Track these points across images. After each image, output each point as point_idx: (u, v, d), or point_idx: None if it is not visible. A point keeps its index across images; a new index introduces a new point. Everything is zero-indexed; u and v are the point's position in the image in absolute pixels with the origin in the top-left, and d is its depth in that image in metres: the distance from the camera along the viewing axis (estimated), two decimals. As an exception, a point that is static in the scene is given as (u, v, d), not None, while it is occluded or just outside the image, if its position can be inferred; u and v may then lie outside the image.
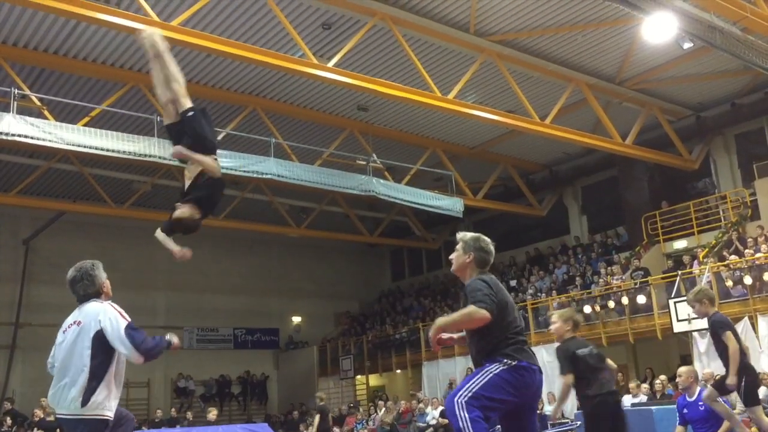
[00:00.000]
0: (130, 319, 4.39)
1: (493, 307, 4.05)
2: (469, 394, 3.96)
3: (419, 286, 26.59)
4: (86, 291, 4.52)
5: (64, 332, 4.45)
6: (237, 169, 14.86)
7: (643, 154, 17.35)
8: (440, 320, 4.19)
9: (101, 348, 4.27)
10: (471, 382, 4.03)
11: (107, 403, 4.25)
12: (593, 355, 6.09)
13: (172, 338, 4.51)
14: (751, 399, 6.84)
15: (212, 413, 16.06)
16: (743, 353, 6.94)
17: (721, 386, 6.99)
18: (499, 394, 4.00)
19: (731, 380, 6.69)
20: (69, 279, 4.59)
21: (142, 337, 4.29)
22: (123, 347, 4.25)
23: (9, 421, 16.72)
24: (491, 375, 4.02)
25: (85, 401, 4.16)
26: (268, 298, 25.68)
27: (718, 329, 6.81)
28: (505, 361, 4.07)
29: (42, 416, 16.05)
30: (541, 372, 4.24)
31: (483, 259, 4.38)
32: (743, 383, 6.77)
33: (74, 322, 4.42)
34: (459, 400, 3.95)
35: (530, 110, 15.10)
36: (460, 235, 4.53)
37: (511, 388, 4.04)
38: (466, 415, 3.89)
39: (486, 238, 4.47)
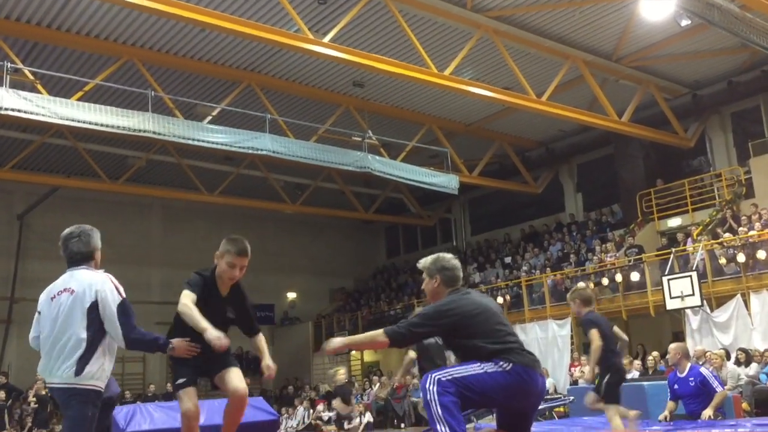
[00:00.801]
0: (125, 296, 4.25)
1: (402, 336, 3.87)
2: (449, 378, 3.76)
3: (414, 262, 26.37)
4: (78, 249, 4.34)
5: (52, 299, 4.28)
6: (232, 144, 14.81)
7: (639, 131, 17.33)
8: (345, 340, 4.06)
9: (96, 319, 4.16)
10: (455, 369, 3.82)
11: (100, 374, 4.18)
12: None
13: (175, 343, 4.43)
14: (610, 397, 6.90)
15: (340, 372, 12.88)
16: (615, 353, 7.00)
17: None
18: (483, 390, 3.76)
19: (588, 375, 6.85)
20: (64, 235, 4.39)
21: (132, 324, 4.18)
22: (110, 326, 4.15)
23: (3, 394, 16.81)
24: (482, 371, 3.78)
25: (79, 371, 4.07)
26: (262, 274, 25.67)
27: (586, 327, 6.91)
28: (501, 363, 3.81)
29: (38, 389, 16.18)
30: (542, 375, 4.01)
31: (450, 277, 4.20)
32: (605, 382, 6.83)
33: (65, 290, 4.24)
34: (434, 376, 3.77)
35: (527, 87, 15.05)
36: (420, 264, 4.35)
37: (501, 390, 3.78)
38: (434, 388, 3.72)
39: (446, 255, 4.31)
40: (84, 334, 4.13)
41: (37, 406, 16.21)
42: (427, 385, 3.73)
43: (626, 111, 16.79)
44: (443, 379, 3.76)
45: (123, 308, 4.18)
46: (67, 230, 4.44)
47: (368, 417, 17.39)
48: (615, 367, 6.89)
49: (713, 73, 17.57)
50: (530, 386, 3.85)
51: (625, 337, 7.10)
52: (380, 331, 3.94)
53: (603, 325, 6.87)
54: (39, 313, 4.37)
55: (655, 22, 14.07)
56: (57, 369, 4.13)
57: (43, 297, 4.38)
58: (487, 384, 3.77)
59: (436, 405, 3.68)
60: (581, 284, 8.08)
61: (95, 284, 4.21)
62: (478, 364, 3.83)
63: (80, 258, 4.35)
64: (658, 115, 17.94)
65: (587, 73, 15.88)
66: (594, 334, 6.74)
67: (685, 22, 13.64)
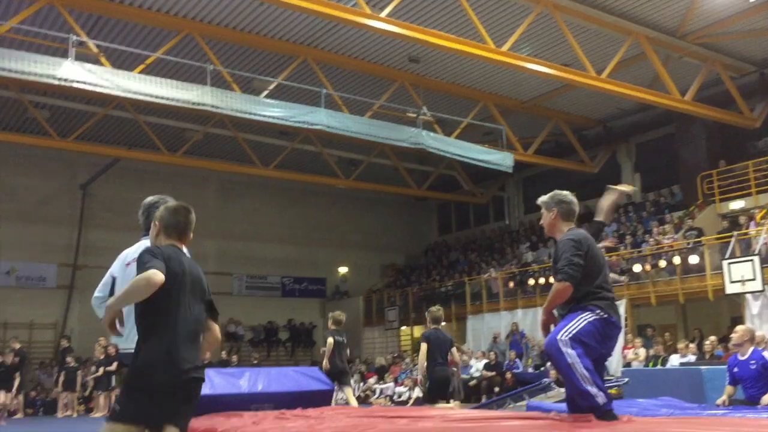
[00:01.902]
0: None
1: (575, 273, 4.10)
2: (570, 336, 4.02)
3: (466, 240, 26.58)
4: None
5: (127, 265, 4.39)
6: (287, 119, 14.93)
7: (703, 111, 16.83)
8: (544, 312, 4.30)
9: None
10: (569, 326, 4.07)
11: None
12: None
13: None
14: (433, 398, 8.56)
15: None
16: (438, 363, 8.49)
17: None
18: (591, 341, 4.06)
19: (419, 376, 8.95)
20: (149, 203, 4.48)
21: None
22: None
23: (72, 360, 17.53)
24: (585, 322, 4.08)
25: None
26: (315, 248, 26.01)
27: (421, 340, 8.70)
28: (598, 311, 4.12)
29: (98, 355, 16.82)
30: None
31: (567, 210, 4.45)
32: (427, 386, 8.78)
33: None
34: (562, 338, 4.00)
35: (586, 64, 14.74)
36: (539, 200, 4.61)
37: (600, 337, 4.11)
38: (573, 352, 3.95)
39: (563, 191, 4.57)
40: None
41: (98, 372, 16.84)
42: (564, 348, 3.96)
43: (689, 89, 16.31)
44: (568, 338, 4.01)
45: None
46: (151, 198, 4.55)
47: (417, 392, 17.52)
48: (436, 374, 8.50)
49: (783, 50, 16.90)
50: (614, 335, 4.28)
51: (457, 359, 9.37)
52: (555, 283, 4.17)
53: (432, 341, 8.51)
54: (114, 278, 4.49)
55: (723, -4, 13.58)
56: (135, 335, 4.21)
57: (117, 263, 4.51)
58: (590, 333, 4.07)
59: (580, 367, 3.93)
60: (434, 307, 9.53)
61: None
62: (579, 314, 4.11)
63: None
64: (722, 94, 17.38)
65: (650, 49, 15.45)
66: (422, 347, 8.53)
67: (755, -3, 13.14)
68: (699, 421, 4.02)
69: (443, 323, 9.01)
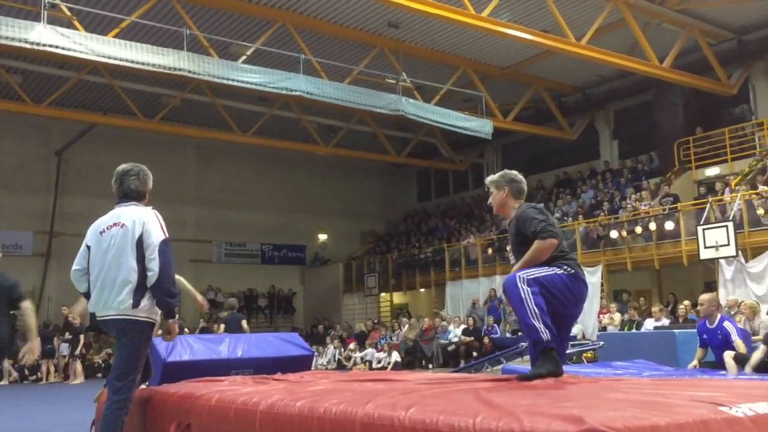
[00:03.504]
0: (168, 236, 4.29)
1: (555, 230, 4.15)
2: (532, 277, 4.05)
3: (445, 207, 26.68)
4: (135, 186, 4.40)
5: (101, 233, 4.33)
6: (266, 85, 14.79)
7: (680, 77, 16.91)
8: (516, 266, 4.25)
9: (143, 252, 4.20)
10: (534, 270, 4.10)
11: (155, 308, 4.26)
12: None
13: (173, 326, 4.44)
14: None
15: None
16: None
17: None
18: (555, 290, 4.07)
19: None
20: (121, 171, 4.43)
21: (170, 263, 4.19)
22: (149, 258, 4.16)
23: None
24: (552, 273, 4.10)
25: (136, 303, 4.15)
26: (294, 215, 25.98)
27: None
28: (566, 267, 4.15)
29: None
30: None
31: (517, 188, 4.47)
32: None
33: (115, 224, 4.29)
34: (522, 275, 4.03)
35: (566, 30, 14.70)
36: (487, 180, 4.61)
37: (567, 292, 4.11)
38: (528, 288, 3.97)
39: (513, 171, 4.58)
40: (136, 267, 4.18)
41: (71, 337, 16.83)
42: (520, 284, 3.98)
43: (668, 56, 16.35)
44: (529, 278, 4.01)
45: (164, 246, 4.21)
46: (124, 166, 4.48)
47: (396, 357, 17.72)
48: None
49: (761, 17, 16.95)
50: (583, 294, 4.25)
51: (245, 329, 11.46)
52: (538, 241, 4.13)
53: (228, 322, 11.60)
54: (88, 247, 4.41)
55: (703, -38, 13.57)
56: (112, 301, 4.19)
57: (90, 232, 4.43)
58: (557, 284, 4.07)
59: (531, 303, 3.94)
60: (231, 298, 12.85)
61: (143, 218, 4.27)
62: (546, 266, 4.11)
63: (135, 195, 4.42)
64: (700, 61, 17.45)
65: (629, 16, 15.44)
66: (221, 327, 11.69)
67: (734, -36, 13.14)
68: (645, 382, 4.09)
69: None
